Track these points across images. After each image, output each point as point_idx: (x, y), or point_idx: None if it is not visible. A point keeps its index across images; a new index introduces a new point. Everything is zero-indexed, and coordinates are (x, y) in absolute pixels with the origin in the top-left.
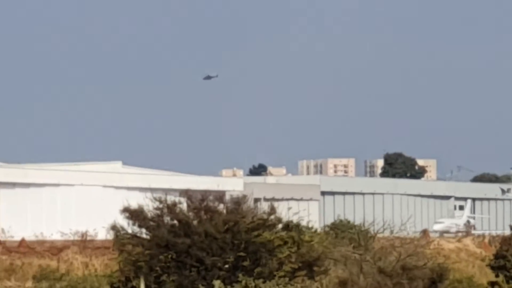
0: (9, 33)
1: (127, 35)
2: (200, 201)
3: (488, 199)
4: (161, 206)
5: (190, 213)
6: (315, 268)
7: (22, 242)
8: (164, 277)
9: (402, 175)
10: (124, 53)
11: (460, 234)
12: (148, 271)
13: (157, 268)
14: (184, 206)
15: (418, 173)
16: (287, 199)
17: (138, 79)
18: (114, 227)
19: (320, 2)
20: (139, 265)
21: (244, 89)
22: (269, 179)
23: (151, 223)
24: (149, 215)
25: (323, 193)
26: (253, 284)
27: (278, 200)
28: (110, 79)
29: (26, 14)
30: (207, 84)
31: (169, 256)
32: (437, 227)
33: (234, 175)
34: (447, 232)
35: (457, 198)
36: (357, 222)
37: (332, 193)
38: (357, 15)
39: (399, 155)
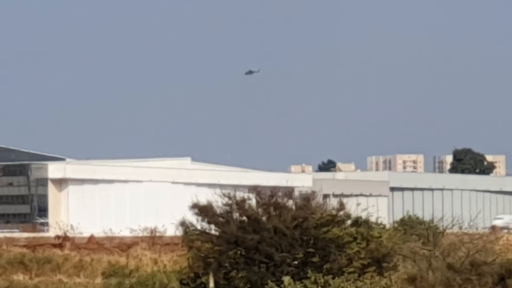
0: (88, 36)
1: (191, 36)
2: (269, 197)
3: None
4: (230, 202)
5: (259, 209)
6: (384, 264)
7: (91, 238)
8: (233, 273)
9: (471, 171)
10: (192, 53)
11: None
12: (217, 267)
13: (226, 264)
14: (253, 202)
15: (487, 169)
16: (356, 195)
17: (206, 78)
18: (183, 223)
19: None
20: (208, 261)
21: (313, 86)
22: (338, 175)
23: (220, 219)
24: (218, 211)
25: (392, 189)
26: (322, 280)
27: (347, 196)
28: (179, 78)
29: (104, 17)
30: (275, 81)
31: (238, 252)
32: (497, 222)
33: (303, 171)
34: (507, 228)
35: None
36: (426, 218)
37: (401, 189)
38: (413, 15)
39: (468, 151)
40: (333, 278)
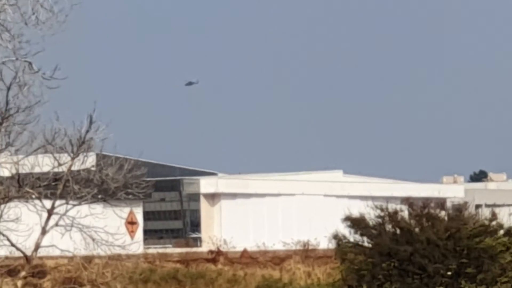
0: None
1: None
2: (422, 209)
3: None
4: (382, 214)
5: (412, 221)
6: None
7: (244, 252)
8: (386, 285)
9: None
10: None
11: None
12: (370, 279)
13: (380, 276)
14: (405, 213)
15: None
16: (508, 205)
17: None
18: (336, 236)
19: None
20: (361, 274)
21: (467, 97)
22: (490, 185)
23: (373, 231)
24: (370, 223)
25: None
26: None
27: (499, 206)
28: (334, 94)
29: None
30: (429, 92)
31: (392, 264)
32: None
33: (455, 181)
34: None
35: None
36: None
37: None
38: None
39: None
40: None
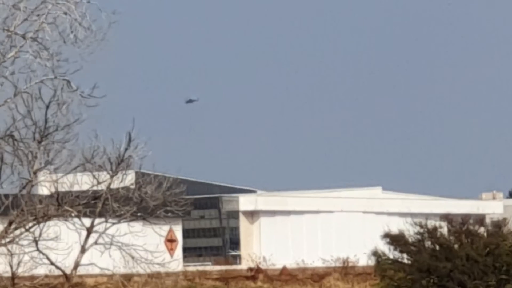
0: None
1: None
2: (461, 225)
3: None
4: (421, 230)
5: (451, 237)
6: None
7: (284, 270)
8: None
9: None
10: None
11: None
12: None
13: None
14: (444, 230)
15: None
16: None
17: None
18: (375, 253)
19: None
20: None
21: (502, 115)
22: None
23: (412, 248)
24: (410, 240)
25: None
26: None
27: None
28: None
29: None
30: (463, 112)
31: (431, 280)
32: None
33: (494, 198)
34: None
35: None
36: None
37: None
38: None
39: None
40: None
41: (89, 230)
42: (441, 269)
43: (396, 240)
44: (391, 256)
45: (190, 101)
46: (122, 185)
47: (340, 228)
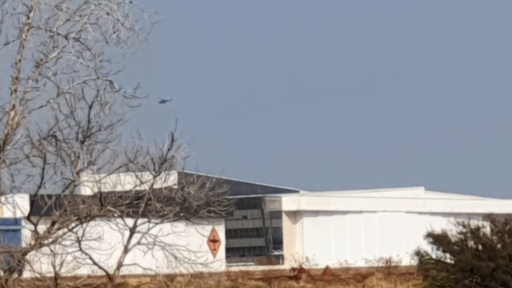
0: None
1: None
2: (504, 225)
3: None
4: (464, 230)
5: (494, 237)
6: None
7: (327, 270)
8: None
9: None
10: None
11: None
12: None
13: None
14: (487, 230)
15: None
16: None
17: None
18: (418, 253)
19: None
20: None
21: None
22: None
23: (455, 247)
24: (453, 239)
25: None
26: None
27: None
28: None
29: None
30: (492, 112)
31: (474, 280)
32: None
33: None
34: None
35: None
36: None
37: None
38: None
39: None
40: None
41: (132, 230)
42: (484, 268)
43: (439, 240)
44: (433, 256)
45: (163, 101)
46: (165, 185)
47: (383, 228)
